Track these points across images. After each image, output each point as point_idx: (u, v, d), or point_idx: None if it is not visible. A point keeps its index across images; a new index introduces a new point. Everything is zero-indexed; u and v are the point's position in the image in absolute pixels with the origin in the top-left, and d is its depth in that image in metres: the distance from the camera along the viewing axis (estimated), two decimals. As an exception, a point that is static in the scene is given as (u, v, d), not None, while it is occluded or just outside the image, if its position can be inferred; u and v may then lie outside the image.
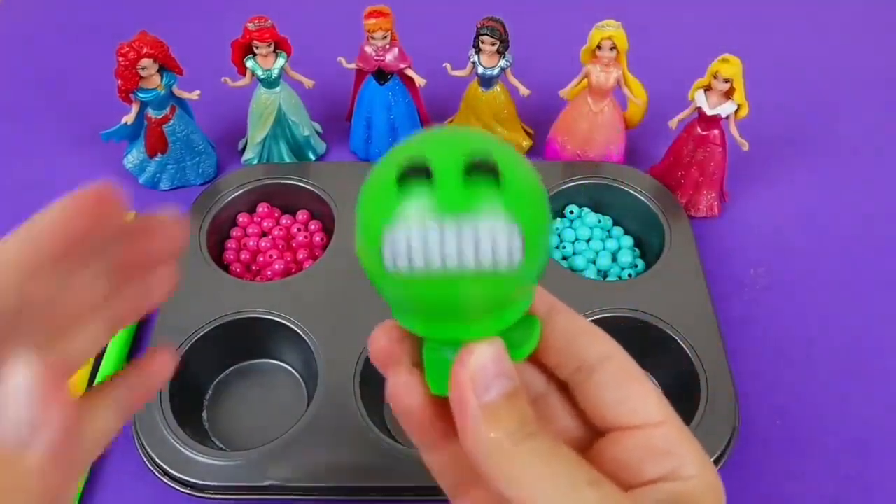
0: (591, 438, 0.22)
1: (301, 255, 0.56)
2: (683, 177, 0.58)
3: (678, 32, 0.78)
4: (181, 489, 0.42)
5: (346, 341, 0.47)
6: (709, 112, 0.55)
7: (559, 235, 0.57)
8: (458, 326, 0.19)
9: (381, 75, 0.60)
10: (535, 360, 0.22)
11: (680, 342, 0.48)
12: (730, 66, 0.53)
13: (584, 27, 0.56)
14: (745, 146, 0.56)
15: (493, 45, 0.57)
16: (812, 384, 0.50)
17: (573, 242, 0.56)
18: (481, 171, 0.17)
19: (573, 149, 0.61)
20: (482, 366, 0.19)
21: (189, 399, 0.48)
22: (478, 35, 0.57)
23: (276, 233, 0.57)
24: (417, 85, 0.61)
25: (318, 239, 0.57)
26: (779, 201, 0.62)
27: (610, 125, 0.60)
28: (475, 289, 0.18)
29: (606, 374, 0.21)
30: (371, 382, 0.46)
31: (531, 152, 0.65)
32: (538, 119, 0.66)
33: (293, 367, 0.51)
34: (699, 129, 0.57)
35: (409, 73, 0.60)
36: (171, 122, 0.59)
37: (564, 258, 0.56)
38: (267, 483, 0.42)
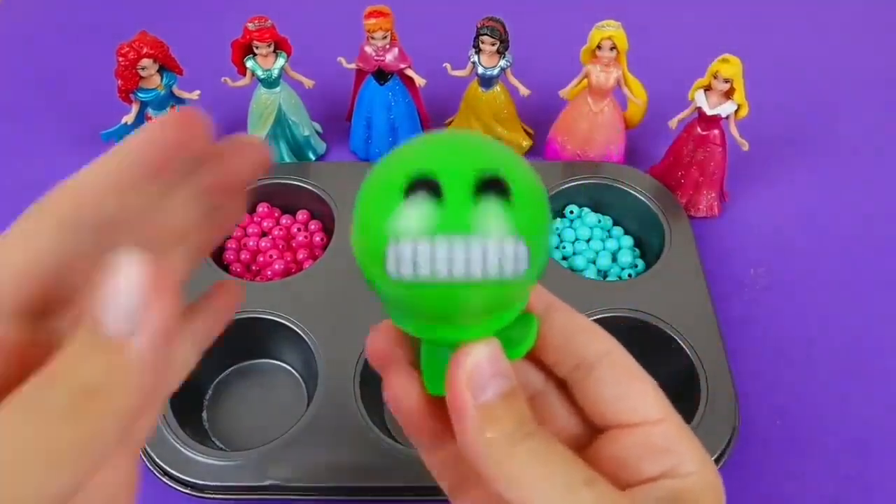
0: (589, 436, 0.22)
1: (301, 255, 0.56)
2: (683, 177, 0.58)
3: (678, 32, 0.78)
4: (181, 489, 0.42)
5: (346, 341, 0.47)
6: (709, 112, 0.55)
7: (559, 235, 0.57)
8: (454, 328, 0.19)
9: (381, 75, 0.60)
10: (533, 357, 0.22)
11: (680, 342, 0.48)
12: (730, 66, 0.53)
13: (584, 27, 0.56)
14: (745, 146, 0.56)
15: (493, 45, 0.57)
16: (812, 384, 0.50)
17: (573, 242, 0.56)
18: (491, 189, 0.18)
19: (573, 149, 0.61)
20: (478, 366, 0.19)
21: (189, 399, 0.48)
22: (478, 35, 0.57)
23: (276, 233, 0.57)
24: (417, 85, 0.61)
25: (318, 239, 0.57)
26: (779, 201, 0.62)
27: (610, 125, 0.60)
28: (478, 297, 0.18)
29: (605, 372, 0.21)
30: (371, 382, 0.46)
31: (531, 152, 0.65)
32: (538, 119, 0.66)
33: (293, 367, 0.51)
34: (699, 129, 0.57)
35: (409, 73, 0.60)
36: (171, 122, 0.59)
37: (564, 258, 0.56)
38: (267, 483, 0.42)
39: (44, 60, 0.76)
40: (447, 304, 0.18)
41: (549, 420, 0.23)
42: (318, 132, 0.66)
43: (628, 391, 0.21)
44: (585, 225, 0.57)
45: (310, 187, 0.57)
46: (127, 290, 0.14)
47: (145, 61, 0.54)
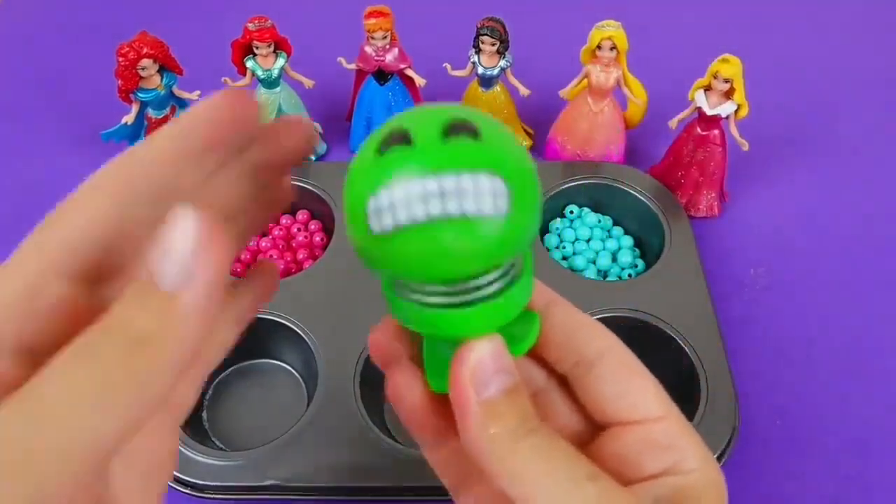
0: (591, 433, 0.22)
1: (301, 255, 0.56)
2: (683, 177, 0.58)
3: (678, 32, 0.78)
4: (181, 489, 0.42)
5: (346, 341, 0.47)
6: (709, 112, 0.55)
7: (559, 235, 0.57)
8: (457, 322, 0.19)
9: (381, 75, 0.60)
10: (534, 354, 0.22)
11: (680, 342, 0.48)
12: (730, 66, 0.53)
13: (584, 27, 0.56)
14: (745, 146, 0.56)
15: (493, 45, 0.57)
16: (812, 384, 0.50)
17: (573, 242, 0.56)
18: (460, 131, 0.18)
19: (573, 149, 0.61)
20: (481, 362, 0.19)
21: (189, 399, 0.48)
22: (478, 35, 0.57)
23: (276, 233, 0.57)
24: (417, 85, 0.61)
25: (318, 239, 0.57)
26: (779, 201, 0.62)
27: (610, 125, 0.60)
28: (460, 239, 0.17)
29: (606, 369, 0.21)
30: (371, 382, 0.46)
31: (531, 152, 0.65)
32: (538, 119, 0.66)
33: (293, 367, 0.51)
34: (699, 129, 0.57)
35: (409, 73, 0.60)
36: (172, 122, 0.59)
37: (564, 258, 0.56)
38: (267, 483, 0.42)
39: (44, 60, 0.76)
40: (433, 251, 0.18)
41: (550, 417, 0.23)
42: (318, 132, 0.66)
43: (629, 388, 0.21)
44: (585, 225, 0.57)
45: (310, 187, 0.57)
46: (180, 243, 0.15)
47: (145, 61, 0.54)
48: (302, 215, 0.58)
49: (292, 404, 0.48)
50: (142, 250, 0.15)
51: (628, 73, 0.57)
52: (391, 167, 0.17)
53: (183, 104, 0.60)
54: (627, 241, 0.57)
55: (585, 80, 0.59)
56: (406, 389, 0.21)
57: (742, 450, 0.46)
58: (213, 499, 0.43)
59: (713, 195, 0.59)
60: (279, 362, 0.51)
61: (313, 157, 0.64)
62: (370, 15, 0.57)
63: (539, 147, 0.65)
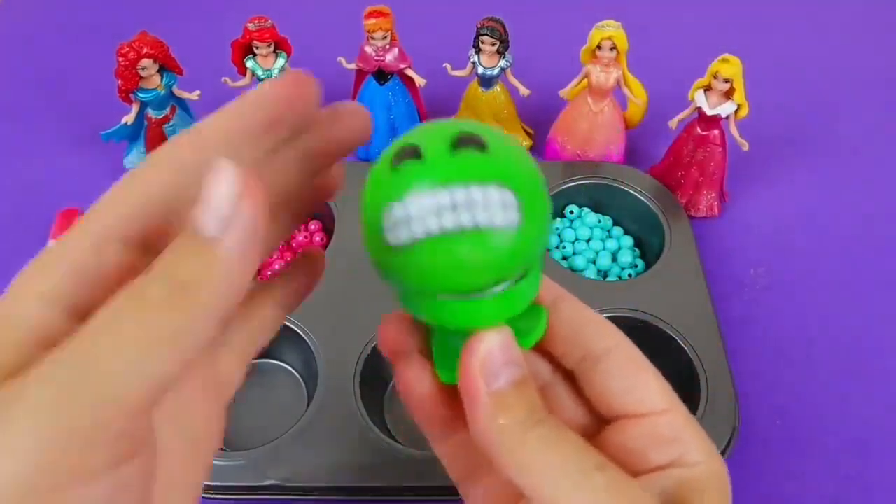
0: (596, 427, 0.22)
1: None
2: (683, 177, 0.58)
3: (678, 32, 0.78)
4: (181, 489, 0.42)
5: (346, 341, 0.47)
6: (709, 112, 0.55)
7: (559, 235, 0.57)
8: (467, 314, 0.19)
9: (381, 75, 0.60)
10: (540, 348, 0.23)
11: (680, 342, 0.48)
12: (730, 66, 0.53)
13: (584, 27, 0.56)
14: (745, 146, 0.56)
15: (493, 45, 0.57)
16: (812, 384, 0.50)
17: (573, 242, 0.56)
18: (468, 144, 0.18)
19: (573, 149, 0.61)
20: (491, 353, 0.19)
21: (189, 399, 0.48)
22: (478, 35, 0.57)
23: (276, 233, 0.57)
24: (417, 85, 0.61)
25: (318, 239, 0.57)
26: (779, 201, 0.62)
27: (610, 125, 0.60)
28: (473, 251, 0.18)
29: (612, 363, 0.22)
30: (371, 382, 0.46)
31: (531, 152, 0.65)
32: (538, 119, 0.66)
33: (293, 367, 0.51)
34: (699, 129, 0.57)
35: (409, 73, 0.60)
36: (172, 122, 0.59)
37: (564, 258, 0.56)
38: (267, 483, 0.42)
39: (44, 60, 0.76)
40: (447, 263, 0.18)
41: (556, 410, 0.23)
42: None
43: (635, 382, 0.21)
44: (585, 225, 0.57)
45: (310, 187, 0.57)
46: (221, 193, 0.15)
47: (145, 61, 0.54)
48: (302, 215, 0.58)
49: (292, 404, 0.48)
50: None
51: (628, 73, 0.57)
52: (403, 181, 0.18)
53: (183, 104, 0.60)
54: (627, 241, 0.57)
55: (585, 80, 0.59)
56: (415, 381, 0.22)
57: (742, 450, 0.46)
58: (213, 499, 0.43)
59: (713, 195, 0.59)
60: (279, 362, 0.51)
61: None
62: (370, 15, 0.57)
63: (539, 147, 0.65)
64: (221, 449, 0.46)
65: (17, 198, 0.62)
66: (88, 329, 0.15)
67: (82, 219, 0.17)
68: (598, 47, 0.56)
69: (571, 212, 0.58)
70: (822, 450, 0.47)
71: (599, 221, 0.58)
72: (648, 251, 0.57)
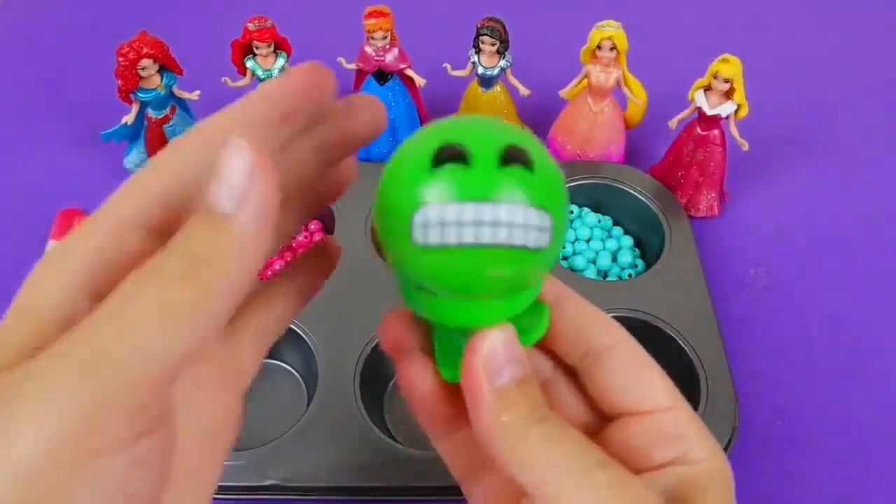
0: (598, 424, 0.22)
1: (301, 255, 0.56)
2: (683, 177, 0.58)
3: (678, 32, 0.78)
4: (181, 489, 0.42)
5: (346, 341, 0.47)
6: (709, 112, 0.55)
7: (559, 235, 0.57)
8: (470, 312, 0.20)
9: (381, 75, 0.60)
10: (541, 345, 0.23)
11: (680, 342, 0.48)
12: (730, 66, 0.53)
13: (584, 27, 0.56)
14: (745, 146, 0.56)
15: (493, 45, 0.57)
16: (812, 384, 0.50)
17: (573, 242, 0.56)
18: (516, 159, 0.18)
19: (573, 149, 0.61)
20: (494, 351, 0.19)
21: (189, 399, 0.48)
22: (478, 35, 0.57)
23: (276, 233, 0.57)
24: (417, 85, 0.61)
25: (318, 239, 0.57)
26: (779, 201, 0.62)
27: (610, 125, 0.60)
28: (502, 267, 0.18)
29: (615, 360, 0.22)
30: (371, 382, 0.46)
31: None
32: (538, 119, 0.66)
33: (293, 367, 0.51)
34: (699, 129, 0.57)
35: (409, 73, 0.60)
36: (172, 122, 0.59)
37: (564, 258, 0.56)
38: (267, 483, 0.42)
39: (44, 60, 0.76)
40: (471, 273, 0.18)
41: (557, 407, 0.23)
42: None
43: (638, 380, 0.21)
44: (585, 225, 0.57)
45: (310, 187, 0.57)
46: (234, 169, 0.16)
47: (145, 61, 0.54)
48: (302, 215, 0.58)
49: (292, 404, 0.48)
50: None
51: (628, 73, 0.57)
52: (446, 185, 0.18)
53: (183, 104, 0.60)
54: (627, 241, 0.57)
55: (585, 80, 0.59)
56: (418, 379, 0.22)
57: (742, 450, 0.46)
58: (214, 498, 0.42)
59: (713, 195, 0.59)
60: (279, 362, 0.51)
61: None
62: (370, 15, 0.57)
63: (539, 147, 0.65)
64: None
65: (17, 198, 0.62)
66: (106, 306, 0.15)
67: (104, 206, 0.17)
68: (598, 47, 0.56)
69: (571, 212, 0.58)
70: (822, 450, 0.47)
71: (599, 221, 0.58)
72: (648, 251, 0.57)
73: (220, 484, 0.45)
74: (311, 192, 0.22)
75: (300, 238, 0.56)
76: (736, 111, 0.54)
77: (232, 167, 0.16)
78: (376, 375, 0.47)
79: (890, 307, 0.54)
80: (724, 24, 0.79)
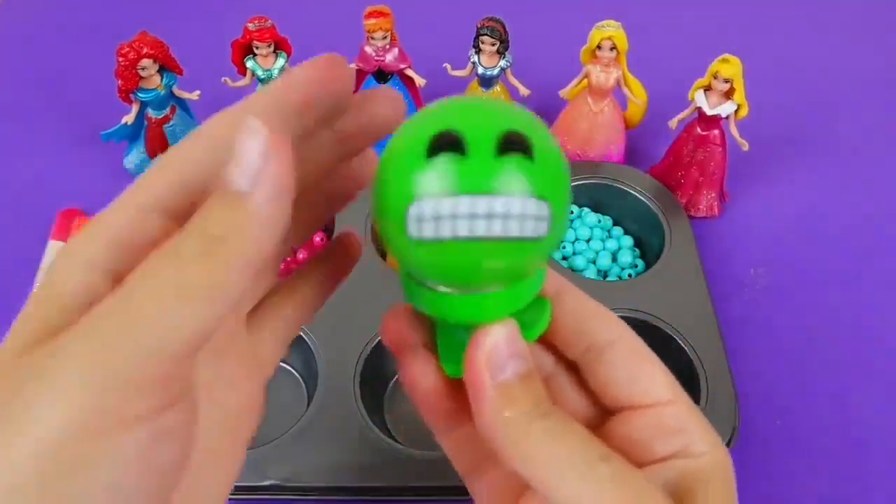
0: (599, 418, 0.22)
1: (301, 255, 0.56)
2: (683, 177, 0.58)
3: (678, 32, 0.78)
4: (181, 489, 0.42)
5: (346, 341, 0.47)
6: (709, 112, 0.55)
7: (559, 235, 0.57)
8: (472, 307, 0.20)
9: (381, 75, 0.60)
10: (543, 340, 0.23)
11: (680, 342, 0.48)
12: (730, 66, 0.53)
13: (584, 27, 0.56)
14: (745, 146, 0.56)
15: (493, 45, 0.57)
16: (812, 384, 0.50)
17: (573, 242, 0.56)
18: (515, 147, 0.17)
19: (573, 149, 0.61)
20: (496, 346, 0.20)
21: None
22: (478, 35, 0.57)
23: (276, 233, 0.57)
24: (417, 85, 0.61)
25: (317, 239, 0.57)
26: (779, 201, 0.62)
27: (610, 125, 0.60)
28: (497, 259, 0.18)
29: (617, 354, 0.22)
30: (371, 382, 0.46)
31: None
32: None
33: (293, 367, 0.51)
34: (699, 129, 0.57)
35: (409, 73, 0.60)
36: (172, 122, 0.59)
37: (564, 258, 0.56)
38: (267, 483, 0.42)
39: (44, 60, 0.76)
40: (467, 266, 0.18)
41: (559, 402, 0.23)
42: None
43: (639, 374, 0.21)
44: (585, 225, 0.57)
45: (310, 187, 0.57)
46: (248, 150, 0.16)
47: (145, 61, 0.54)
48: (302, 215, 0.58)
49: (292, 404, 0.48)
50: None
51: (628, 73, 0.57)
52: (442, 178, 0.17)
53: (183, 104, 0.60)
54: (627, 241, 0.57)
55: (585, 80, 0.59)
56: (420, 375, 0.22)
57: (742, 450, 0.46)
58: (213, 499, 0.43)
59: (713, 195, 0.59)
60: (279, 362, 0.51)
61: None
62: (370, 15, 0.57)
63: (539, 147, 0.65)
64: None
65: (17, 198, 0.62)
66: (127, 284, 0.16)
67: (126, 191, 0.18)
68: (598, 47, 0.56)
69: (571, 212, 0.58)
70: (822, 450, 0.47)
71: (599, 221, 0.58)
72: (648, 251, 0.57)
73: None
74: (330, 184, 0.23)
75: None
76: (736, 111, 0.54)
77: (246, 147, 0.16)
78: (376, 375, 0.47)
79: (890, 307, 0.54)
80: (724, 24, 0.79)
